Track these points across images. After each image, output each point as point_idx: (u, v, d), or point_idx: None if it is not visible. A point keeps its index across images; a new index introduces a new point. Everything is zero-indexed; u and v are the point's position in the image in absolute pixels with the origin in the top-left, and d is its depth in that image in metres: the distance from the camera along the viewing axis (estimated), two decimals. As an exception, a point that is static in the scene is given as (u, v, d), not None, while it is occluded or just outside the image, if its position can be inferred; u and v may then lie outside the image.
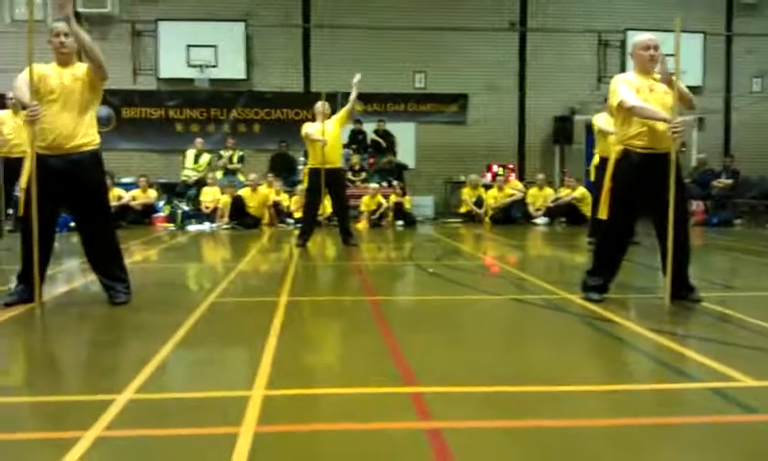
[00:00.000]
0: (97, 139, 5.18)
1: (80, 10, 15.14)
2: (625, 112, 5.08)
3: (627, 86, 5.10)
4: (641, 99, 5.03)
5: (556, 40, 16.68)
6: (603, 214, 5.34)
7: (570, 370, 3.62)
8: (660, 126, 4.98)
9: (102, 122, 14.49)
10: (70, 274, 7.12)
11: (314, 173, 9.35)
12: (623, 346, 4.21)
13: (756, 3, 17.04)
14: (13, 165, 8.53)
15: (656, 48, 5.14)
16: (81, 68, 5.07)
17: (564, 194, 14.23)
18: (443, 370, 3.59)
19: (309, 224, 9.65)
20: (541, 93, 16.66)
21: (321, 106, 9.40)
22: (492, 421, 2.85)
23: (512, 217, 14.18)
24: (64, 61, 5.03)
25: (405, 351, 3.93)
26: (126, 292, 5.30)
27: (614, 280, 5.48)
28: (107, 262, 5.30)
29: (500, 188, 14.50)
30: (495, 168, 15.79)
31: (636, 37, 5.33)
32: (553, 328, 4.74)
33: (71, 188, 5.07)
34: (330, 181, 9.34)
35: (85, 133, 5.06)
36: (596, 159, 9.16)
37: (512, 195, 14.47)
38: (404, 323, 4.96)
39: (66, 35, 4.95)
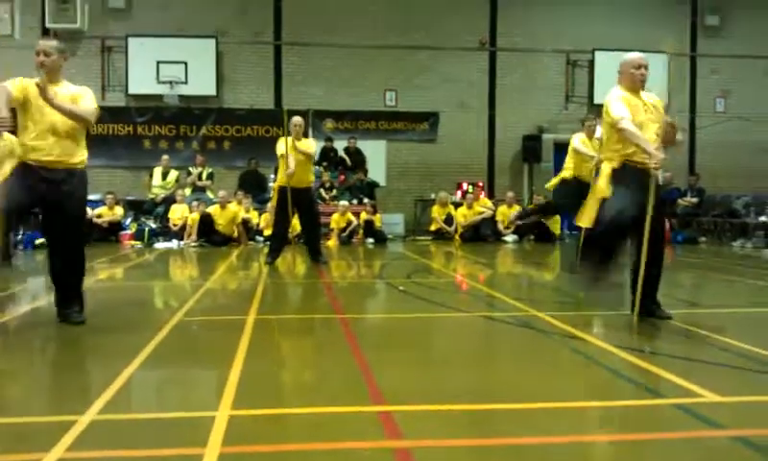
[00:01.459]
0: (86, 158, 5.15)
1: (48, 25, 15.05)
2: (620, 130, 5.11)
3: (623, 105, 5.10)
4: (637, 120, 5.04)
5: (525, 60, 16.90)
6: (585, 223, 5.34)
7: (539, 387, 3.63)
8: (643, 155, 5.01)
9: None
10: (34, 293, 6.98)
11: (283, 191, 9.27)
12: (591, 363, 4.23)
13: (719, 25, 17.42)
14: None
15: (646, 67, 5.18)
16: (67, 89, 5.03)
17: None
18: (412, 388, 3.57)
19: (279, 241, 9.60)
20: (511, 112, 16.83)
21: (294, 126, 9.24)
22: (462, 439, 2.84)
23: (481, 235, 14.27)
24: (48, 79, 4.95)
25: (374, 370, 3.90)
26: (80, 312, 5.17)
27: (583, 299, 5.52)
28: (71, 278, 5.18)
29: (470, 206, 14.58)
30: (465, 186, 15.90)
31: (626, 56, 5.29)
32: (522, 346, 4.76)
33: (55, 198, 4.96)
34: (299, 199, 9.26)
35: (78, 152, 5.04)
36: (565, 174, 9.01)
37: (481, 213, 14.57)
38: (374, 341, 4.94)
39: (47, 54, 4.91)
